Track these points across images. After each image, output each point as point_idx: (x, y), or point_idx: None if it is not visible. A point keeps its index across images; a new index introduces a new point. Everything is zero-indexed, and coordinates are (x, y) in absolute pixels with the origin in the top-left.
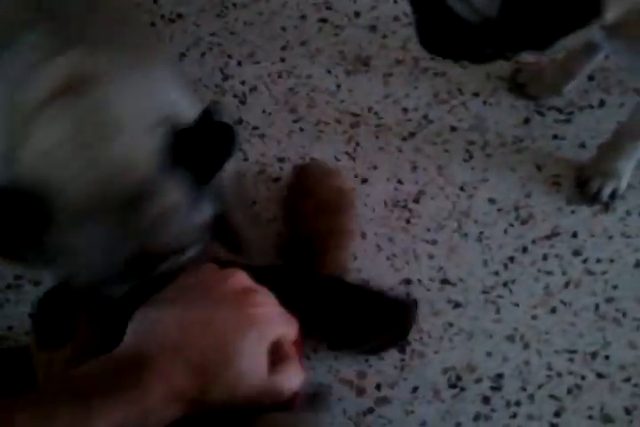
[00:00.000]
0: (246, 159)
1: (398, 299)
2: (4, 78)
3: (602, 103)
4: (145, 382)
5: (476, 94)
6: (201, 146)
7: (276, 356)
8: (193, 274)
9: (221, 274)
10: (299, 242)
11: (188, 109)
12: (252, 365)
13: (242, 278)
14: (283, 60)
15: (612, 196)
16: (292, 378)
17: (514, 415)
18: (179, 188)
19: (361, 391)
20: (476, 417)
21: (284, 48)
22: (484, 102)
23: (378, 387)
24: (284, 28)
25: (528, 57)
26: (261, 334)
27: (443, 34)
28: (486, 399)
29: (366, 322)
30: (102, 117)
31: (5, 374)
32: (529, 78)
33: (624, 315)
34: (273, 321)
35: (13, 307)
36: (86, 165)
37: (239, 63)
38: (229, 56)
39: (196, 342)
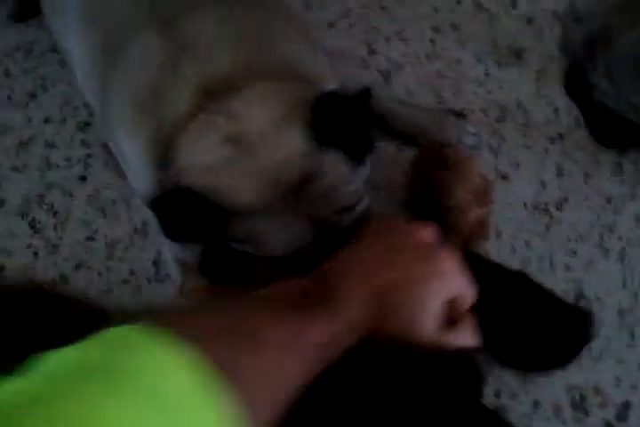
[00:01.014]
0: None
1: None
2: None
3: None
4: (330, 309)
5: None
6: (344, 123)
7: (451, 314)
8: (383, 225)
9: (410, 227)
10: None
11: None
12: (423, 314)
13: (429, 233)
14: (432, 41)
15: None
16: (462, 339)
17: None
18: (333, 165)
19: None
20: None
21: (434, 29)
22: None
23: (497, 394)
24: (436, 9)
25: None
26: (440, 288)
27: (619, 134)
28: None
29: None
30: (245, 125)
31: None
32: None
33: None
34: (453, 278)
35: (138, 252)
36: (249, 173)
37: (387, 39)
38: (378, 31)
39: (377, 279)
